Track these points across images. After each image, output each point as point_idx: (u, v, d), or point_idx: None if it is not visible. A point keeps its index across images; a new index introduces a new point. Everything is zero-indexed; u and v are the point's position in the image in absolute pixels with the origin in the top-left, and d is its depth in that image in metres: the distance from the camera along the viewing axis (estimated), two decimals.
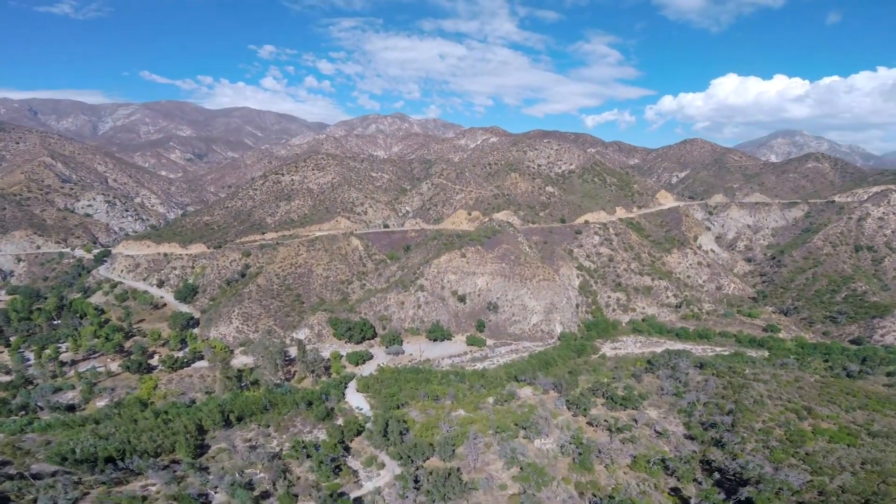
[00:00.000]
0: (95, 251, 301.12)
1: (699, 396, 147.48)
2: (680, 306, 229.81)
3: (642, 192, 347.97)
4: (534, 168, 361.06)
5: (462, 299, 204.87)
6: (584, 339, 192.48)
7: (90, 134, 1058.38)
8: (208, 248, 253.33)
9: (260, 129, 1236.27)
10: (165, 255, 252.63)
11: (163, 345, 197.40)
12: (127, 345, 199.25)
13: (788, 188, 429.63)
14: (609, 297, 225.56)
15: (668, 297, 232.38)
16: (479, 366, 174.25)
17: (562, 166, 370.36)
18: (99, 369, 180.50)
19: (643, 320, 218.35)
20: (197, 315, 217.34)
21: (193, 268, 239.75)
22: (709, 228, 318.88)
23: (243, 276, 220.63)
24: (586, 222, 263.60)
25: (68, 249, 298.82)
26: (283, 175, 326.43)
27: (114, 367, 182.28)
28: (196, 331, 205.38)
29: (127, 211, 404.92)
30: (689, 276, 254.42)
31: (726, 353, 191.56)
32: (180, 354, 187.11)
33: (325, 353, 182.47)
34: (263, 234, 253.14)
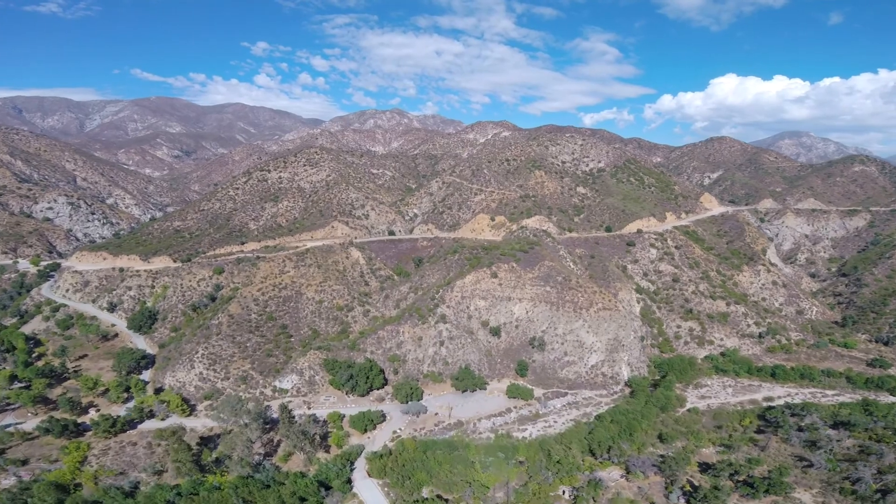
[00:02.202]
0: (44, 263, 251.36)
1: (867, 472, 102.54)
2: (763, 336, 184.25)
3: (686, 194, 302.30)
4: (558, 165, 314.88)
5: (495, 332, 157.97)
6: (663, 385, 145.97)
7: (77, 132, 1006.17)
8: (174, 261, 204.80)
9: (253, 126, 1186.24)
10: (121, 270, 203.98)
11: (102, 393, 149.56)
12: (56, 392, 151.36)
13: (838, 193, 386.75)
14: (679, 326, 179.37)
15: (748, 326, 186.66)
16: (530, 430, 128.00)
17: (589, 164, 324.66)
18: (9, 429, 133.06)
19: (723, 355, 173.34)
20: (154, 351, 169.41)
21: (153, 287, 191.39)
22: (771, 239, 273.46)
23: (213, 299, 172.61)
24: (639, 231, 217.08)
25: (10, 261, 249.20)
26: (269, 172, 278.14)
27: (31, 426, 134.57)
28: (148, 374, 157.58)
29: (93, 214, 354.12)
30: (764, 299, 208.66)
31: (848, 400, 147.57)
32: (123, 412, 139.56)
33: (321, 412, 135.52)
34: (243, 243, 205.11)
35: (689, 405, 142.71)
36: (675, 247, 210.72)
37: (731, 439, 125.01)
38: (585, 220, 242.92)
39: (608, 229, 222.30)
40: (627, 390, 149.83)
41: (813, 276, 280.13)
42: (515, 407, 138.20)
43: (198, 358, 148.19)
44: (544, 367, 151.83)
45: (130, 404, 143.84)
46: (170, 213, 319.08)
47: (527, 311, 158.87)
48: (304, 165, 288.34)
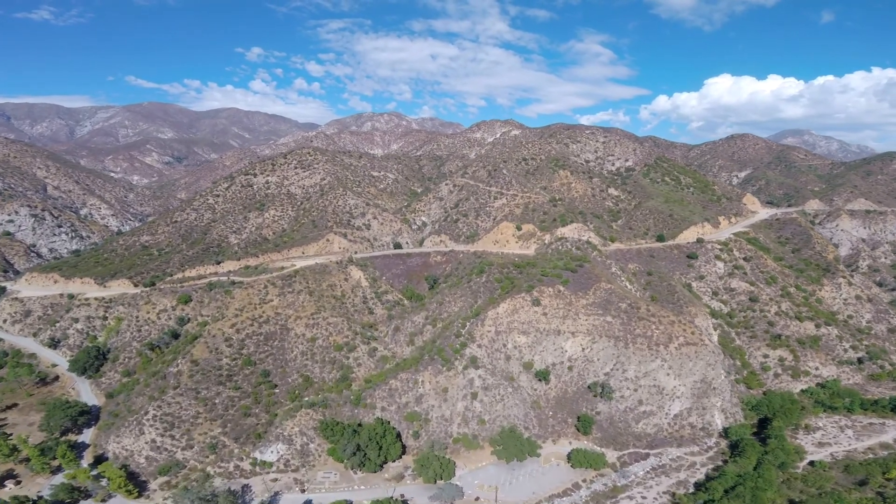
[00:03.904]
0: None
1: None
2: (863, 361, 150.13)
3: (728, 196, 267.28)
4: (582, 164, 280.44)
5: (543, 377, 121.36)
6: (772, 434, 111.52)
7: (66, 138, 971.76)
8: (136, 285, 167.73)
9: (248, 131, 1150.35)
10: (70, 297, 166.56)
11: (24, 461, 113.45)
12: None
13: (882, 192, 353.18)
14: (766, 356, 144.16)
15: (844, 350, 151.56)
16: None
17: (615, 162, 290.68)
18: None
19: (821, 387, 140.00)
20: (100, 401, 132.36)
21: (105, 319, 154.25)
22: (836, 245, 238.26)
23: (176, 336, 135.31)
24: (699, 241, 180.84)
25: None
26: (255, 176, 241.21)
27: None
28: (90, 434, 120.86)
29: (60, 227, 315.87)
30: (850, 316, 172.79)
31: None
32: (47, 490, 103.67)
33: (320, 497, 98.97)
34: (219, 263, 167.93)
35: (808, 457, 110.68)
36: (745, 258, 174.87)
37: (889, 501, 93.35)
38: (626, 227, 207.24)
39: (660, 238, 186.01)
40: (724, 443, 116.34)
41: (880, 284, 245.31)
42: (584, 480, 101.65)
43: (148, 420, 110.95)
44: (613, 421, 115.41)
45: (59, 478, 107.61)
46: (138, 227, 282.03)
47: (583, 349, 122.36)
48: (296, 168, 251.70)
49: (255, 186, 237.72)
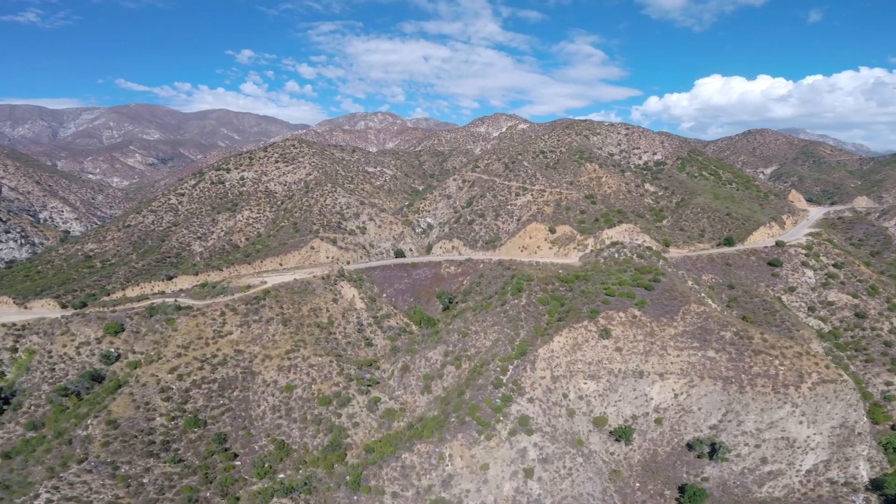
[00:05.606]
0: None
1: None
2: None
3: (774, 193, 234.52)
4: (607, 157, 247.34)
5: (623, 435, 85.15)
6: None
7: (49, 140, 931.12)
8: (63, 306, 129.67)
9: (237, 132, 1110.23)
10: None
11: None
12: None
13: None
14: (888, 383, 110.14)
15: None
16: None
17: (642, 156, 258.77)
18: None
19: None
20: None
21: (16, 351, 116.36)
22: None
23: (100, 380, 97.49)
24: (778, 244, 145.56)
25: None
26: (228, 171, 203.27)
27: None
28: None
29: (8, 232, 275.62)
30: None
31: None
32: None
33: None
34: (170, 278, 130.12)
35: None
36: (835, 265, 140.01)
37: None
38: (676, 228, 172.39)
39: (729, 242, 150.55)
40: (874, 499, 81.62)
41: None
42: None
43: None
44: (727, 488, 79.85)
45: None
46: (84, 233, 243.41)
47: (676, 395, 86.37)
48: (277, 162, 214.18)
49: (227, 183, 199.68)
